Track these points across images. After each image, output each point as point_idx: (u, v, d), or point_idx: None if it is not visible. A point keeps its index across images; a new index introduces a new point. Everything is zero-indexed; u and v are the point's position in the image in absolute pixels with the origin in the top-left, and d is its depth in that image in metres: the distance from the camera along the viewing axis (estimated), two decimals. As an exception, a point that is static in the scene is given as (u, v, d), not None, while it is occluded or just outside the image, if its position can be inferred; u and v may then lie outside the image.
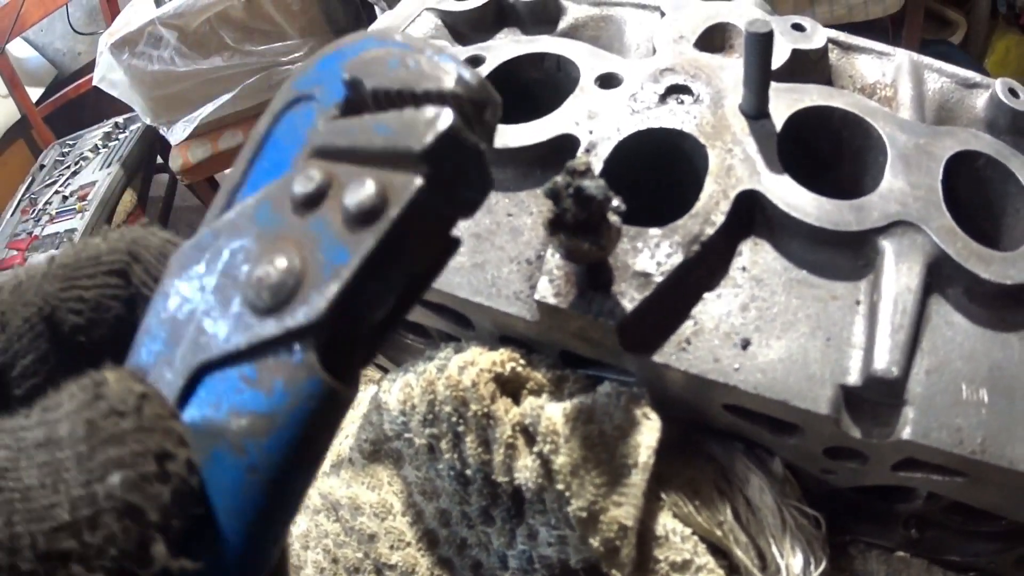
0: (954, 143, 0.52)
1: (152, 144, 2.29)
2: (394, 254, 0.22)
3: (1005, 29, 2.10)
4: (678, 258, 0.42)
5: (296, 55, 1.82)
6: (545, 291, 0.42)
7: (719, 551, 0.51)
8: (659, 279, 0.41)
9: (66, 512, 0.19)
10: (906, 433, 0.43)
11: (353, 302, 0.22)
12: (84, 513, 0.19)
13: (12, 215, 2.21)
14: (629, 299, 0.40)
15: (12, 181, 2.45)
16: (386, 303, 0.24)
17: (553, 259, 0.42)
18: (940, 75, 0.64)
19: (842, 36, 0.64)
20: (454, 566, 0.57)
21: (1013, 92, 0.63)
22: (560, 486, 0.42)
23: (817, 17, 1.67)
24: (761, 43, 0.44)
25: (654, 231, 0.43)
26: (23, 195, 2.28)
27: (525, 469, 0.43)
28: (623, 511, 0.41)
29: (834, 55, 0.64)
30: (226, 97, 1.84)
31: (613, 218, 0.36)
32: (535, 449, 0.43)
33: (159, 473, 0.19)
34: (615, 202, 0.36)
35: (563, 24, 0.70)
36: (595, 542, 0.43)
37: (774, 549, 0.51)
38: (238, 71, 1.81)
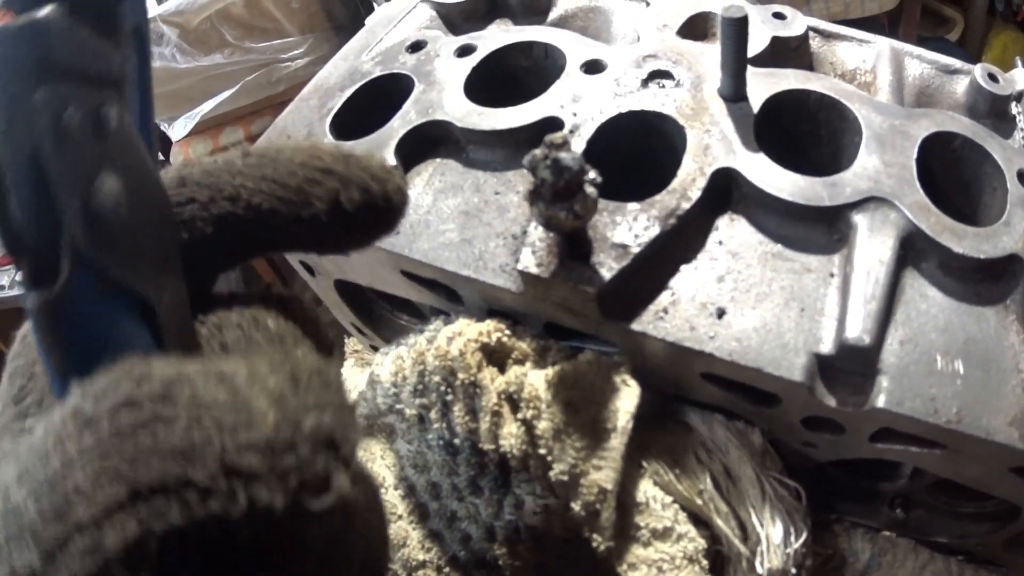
0: (930, 124, 0.53)
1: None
2: None
3: (1002, 26, 2.10)
4: (655, 231, 0.43)
5: (296, 51, 1.84)
6: (528, 261, 0.43)
7: (701, 522, 0.52)
8: (636, 250, 0.42)
9: (264, 432, 0.18)
10: (880, 401, 0.44)
11: None
12: (284, 436, 0.19)
13: (16, 212, 2.22)
14: (607, 268, 0.42)
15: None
16: None
17: (536, 232, 0.44)
18: (921, 61, 0.66)
19: (823, 24, 0.66)
20: (444, 539, 0.58)
21: (992, 77, 0.64)
22: (543, 451, 0.43)
23: (813, 13, 1.68)
24: (736, 27, 0.46)
25: (632, 205, 0.44)
26: (27, 192, 2.29)
27: (510, 436, 0.45)
28: (603, 474, 0.43)
29: (816, 43, 0.65)
30: (227, 94, 1.85)
31: (589, 189, 0.37)
32: (519, 416, 0.44)
33: (354, 423, 0.21)
34: (591, 174, 0.37)
35: (553, 15, 0.72)
36: (576, 506, 0.44)
37: (754, 519, 0.51)
38: (238, 68, 1.83)
